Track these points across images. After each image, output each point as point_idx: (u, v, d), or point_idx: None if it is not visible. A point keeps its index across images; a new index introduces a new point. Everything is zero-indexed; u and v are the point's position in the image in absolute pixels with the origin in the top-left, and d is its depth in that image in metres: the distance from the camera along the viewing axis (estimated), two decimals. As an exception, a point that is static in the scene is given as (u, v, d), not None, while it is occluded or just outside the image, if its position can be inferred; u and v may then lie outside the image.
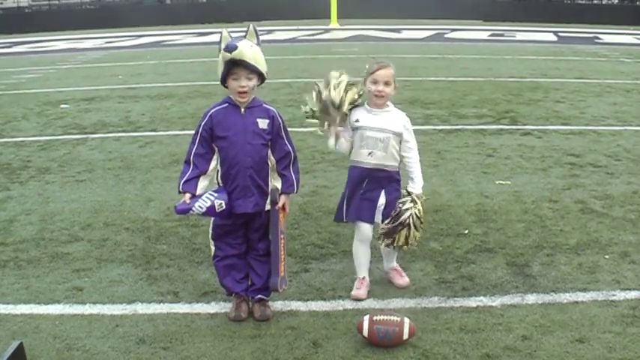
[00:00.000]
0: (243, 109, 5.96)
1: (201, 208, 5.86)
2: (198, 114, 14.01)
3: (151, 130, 13.93)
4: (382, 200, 6.35)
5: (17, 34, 45.75)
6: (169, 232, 8.20)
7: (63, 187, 10.11)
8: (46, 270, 7.19)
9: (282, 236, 6.08)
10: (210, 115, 5.99)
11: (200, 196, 5.90)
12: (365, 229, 6.46)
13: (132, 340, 5.77)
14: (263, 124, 5.97)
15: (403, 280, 6.62)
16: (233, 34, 5.89)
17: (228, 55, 5.76)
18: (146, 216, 8.80)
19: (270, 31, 39.20)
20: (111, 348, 5.66)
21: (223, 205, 5.91)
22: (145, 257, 7.49)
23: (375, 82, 6.28)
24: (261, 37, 6.03)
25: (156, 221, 8.58)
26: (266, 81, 6.06)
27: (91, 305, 6.38)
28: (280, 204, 6.05)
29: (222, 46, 5.83)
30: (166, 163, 11.19)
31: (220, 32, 5.96)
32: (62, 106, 17.08)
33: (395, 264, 6.71)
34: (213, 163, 6.01)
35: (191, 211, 5.88)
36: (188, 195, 5.89)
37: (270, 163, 6.05)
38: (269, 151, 6.02)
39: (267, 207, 6.07)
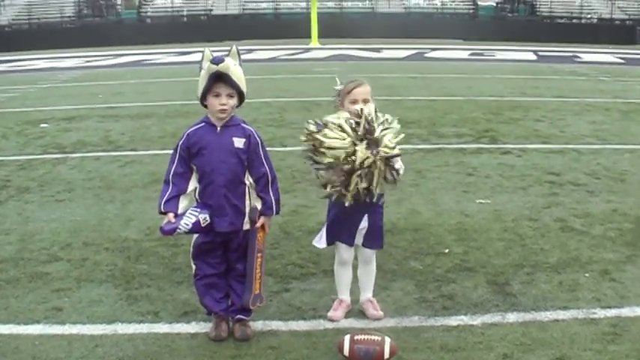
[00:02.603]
0: (219, 128, 5.95)
1: (187, 225, 5.83)
2: (179, 133, 13.94)
3: (131, 150, 13.90)
4: (364, 224, 6.27)
5: (-4, 52, 45.68)
6: (149, 252, 8.16)
7: (42, 207, 10.06)
8: (26, 290, 7.13)
9: (259, 254, 6.05)
10: (188, 134, 5.98)
11: (183, 214, 5.88)
12: (344, 251, 6.40)
13: (112, 360, 5.74)
14: (239, 142, 5.94)
15: (378, 313, 6.47)
16: (215, 54, 5.89)
17: (214, 68, 5.75)
18: (126, 236, 8.76)
19: (250, 51, 39.25)
20: (90, 368, 5.64)
21: (208, 219, 5.89)
22: (124, 277, 7.45)
23: (354, 102, 6.20)
24: (242, 57, 6.03)
25: (136, 241, 8.55)
26: (246, 100, 6.05)
27: (71, 325, 6.33)
28: (259, 224, 6.03)
29: (204, 63, 5.83)
30: (146, 183, 11.15)
31: (202, 51, 5.96)
32: (42, 125, 17.02)
33: (371, 296, 6.59)
34: (191, 184, 5.98)
35: (178, 230, 5.84)
36: (172, 214, 5.86)
37: (247, 182, 6.02)
38: (246, 171, 6.01)
39: (246, 226, 6.04)
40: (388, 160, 5.84)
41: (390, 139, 5.87)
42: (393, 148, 5.86)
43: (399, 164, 6.03)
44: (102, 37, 51.16)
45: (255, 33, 51.74)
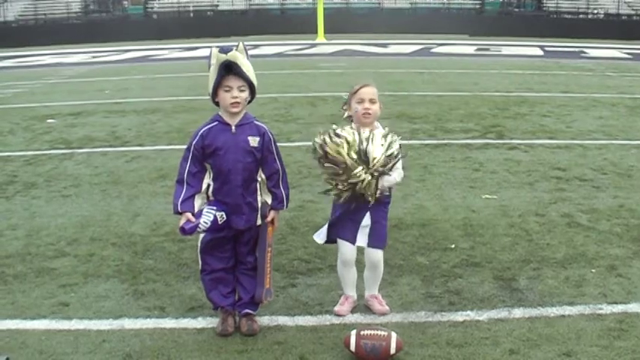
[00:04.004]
0: (233, 127, 5.94)
1: (206, 223, 5.82)
2: (185, 129, 14.01)
3: (138, 145, 13.91)
4: (367, 221, 6.26)
5: (3, 48, 45.64)
6: (156, 247, 8.17)
7: (49, 202, 10.08)
8: (32, 285, 7.15)
9: (269, 249, 6.09)
10: (201, 134, 5.95)
11: (200, 212, 5.87)
12: (346, 249, 6.37)
13: (118, 355, 5.74)
14: (254, 141, 5.94)
15: (383, 308, 6.47)
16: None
17: (223, 57, 5.74)
18: (133, 231, 8.77)
19: (256, 46, 39.23)
20: (97, 363, 5.65)
21: (224, 216, 5.90)
22: (131, 272, 7.46)
23: (360, 101, 6.21)
24: (248, 52, 6.02)
25: (142, 236, 8.56)
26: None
27: (78, 320, 6.35)
28: (269, 218, 6.06)
29: (213, 59, 5.83)
30: (153, 178, 11.17)
31: (210, 48, 5.95)
32: (48, 120, 17.04)
33: (376, 292, 6.59)
34: (205, 183, 5.98)
35: (198, 229, 5.84)
36: (189, 214, 5.85)
37: (259, 179, 6.04)
38: (259, 168, 6.02)
39: (259, 221, 6.07)
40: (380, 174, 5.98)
41: (379, 158, 5.96)
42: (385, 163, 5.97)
43: (394, 175, 6.10)
44: (108, 32, 51.21)
45: (262, 29, 51.69)
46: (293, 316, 6.39)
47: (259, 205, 6.05)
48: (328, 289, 6.93)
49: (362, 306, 6.54)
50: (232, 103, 5.86)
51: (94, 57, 37.84)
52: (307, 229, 8.63)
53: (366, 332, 5.62)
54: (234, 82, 5.84)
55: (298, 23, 52.66)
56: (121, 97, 21.06)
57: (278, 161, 6.09)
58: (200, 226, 5.82)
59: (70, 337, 6.04)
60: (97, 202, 10.03)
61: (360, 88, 6.28)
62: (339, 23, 50.90)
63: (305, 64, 30.66)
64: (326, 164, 6.00)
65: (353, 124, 6.28)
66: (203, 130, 5.98)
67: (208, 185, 5.99)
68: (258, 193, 6.06)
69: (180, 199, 5.88)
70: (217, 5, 58.73)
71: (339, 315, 6.37)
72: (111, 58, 36.77)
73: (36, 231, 8.82)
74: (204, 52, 5.87)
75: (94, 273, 7.48)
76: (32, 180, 11.34)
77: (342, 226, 6.31)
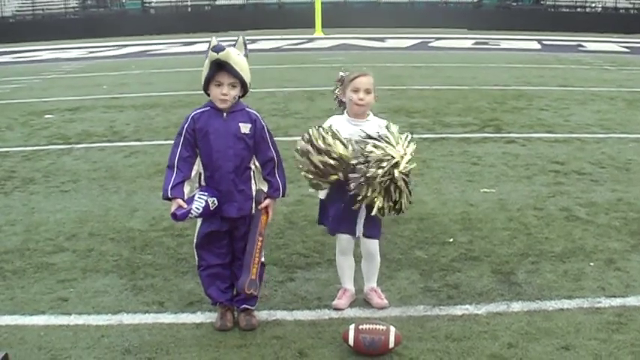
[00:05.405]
0: (225, 114, 5.93)
1: (198, 210, 5.80)
2: (183, 123, 13.95)
3: (136, 140, 13.91)
4: (362, 212, 6.22)
5: (1, 44, 45.60)
6: (154, 242, 8.17)
7: (47, 198, 10.07)
8: (31, 281, 7.15)
9: (260, 239, 6.02)
10: (193, 117, 5.95)
11: (192, 198, 5.86)
12: (345, 240, 6.40)
13: (117, 350, 5.74)
14: (245, 128, 5.93)
15: (382, 301, 6.47)
16: (222, 43, 5.87)
17: (215, 55, 5.73)
18: (131, 226, 8.77)
19: (254, 41, 39.18)
20: (96, 358, 5.63)
21: (216, 202, 5.87)
22: (130, 267, 7.46)
23: (356, 91, 6.20)
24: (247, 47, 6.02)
25: (141, 231, 8.56)
26: (251, 90, 6.04)
27: (77, 316, 6.35)
28: (263, 205, 6.02)
29: (209, 52, 5.82)
30: (151, 173, 11.16)
31: (209, 41, 5.94)
32: (46, 116, 17.02)
33: (375, 285, 6.60)
34: (195, 168, 5.97)
35: (190, 214, 5.83)
36: (180, 200, 5.82)
37: (253, 167, 6.02)
38: (252, 156, 6.01)
39: (253, 212, 6.05)
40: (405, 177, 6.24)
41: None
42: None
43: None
44: (106, 27, 51.08)
45: (259, 23, 51.60)
46: (291, 311, 6.40)
47: (253, 193, 6.04)
48: (327, 283, 6.93)
49: (360, 300, 6.55)
50: (221, 99, 5.86)
51: (91, 52, 37.78)
52: (305, 223, 8.64)
53: (364, 326, 5.62)
54: (225, 78, 5.83)
55: (296, 18, 52.59)
56: (119, 92, 21.03)
57: (272, 149, 6.05)
58: (192, 212, 5.80)
59: (68, 333, 6.04)
60: (95, 198, 10.03)
61: (357, 77, 6.26)
62: (337, 17, 50.83)
63: (303, 58, 30.61)
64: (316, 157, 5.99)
65: (345, 114, 6.32)
66: (195, 113, 5.98)
67: (200, 174, 5.99)
68: (252, 181, 6.04)
69: (170, 185, 5.86)
70: (215, 0, 58.67)
71: (337, 309, 6.37)
72: (109, 54, 36.73)
73: (34, 226, 8.82)
74: (202, 47, 5.87)
75: (93, 268, 7.48)
76: (30, 175, 11.33)
77: (340, 220, 6.29)
